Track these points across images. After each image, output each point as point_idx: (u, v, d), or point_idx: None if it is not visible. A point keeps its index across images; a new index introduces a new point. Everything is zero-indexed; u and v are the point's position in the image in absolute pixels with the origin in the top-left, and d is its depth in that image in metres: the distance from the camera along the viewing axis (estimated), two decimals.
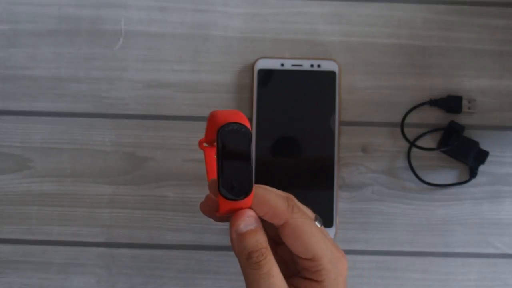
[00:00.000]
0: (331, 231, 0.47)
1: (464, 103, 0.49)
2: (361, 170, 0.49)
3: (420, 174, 0.49)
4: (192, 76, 0.50)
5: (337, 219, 0.48)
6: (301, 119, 0.47)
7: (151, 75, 0.50)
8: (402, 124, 0.49)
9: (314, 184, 0.47)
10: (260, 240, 0.29)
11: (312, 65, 0.47)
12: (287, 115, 0.47)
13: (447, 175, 0.49)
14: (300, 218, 0.30)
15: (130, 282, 0.49)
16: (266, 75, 0.47)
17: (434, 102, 0.49)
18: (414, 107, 0.49)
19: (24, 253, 0.49)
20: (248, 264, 0.29)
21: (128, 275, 0.49)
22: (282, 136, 0.47)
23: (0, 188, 0.49)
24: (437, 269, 0.49)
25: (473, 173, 0.49)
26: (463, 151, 0.49)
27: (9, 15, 0.51)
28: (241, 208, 0.30)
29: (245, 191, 0.30)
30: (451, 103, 0.49)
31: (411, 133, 0.49)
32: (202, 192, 0.49)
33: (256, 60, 0.47)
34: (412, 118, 0.50)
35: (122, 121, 0.50)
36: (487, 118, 0.50)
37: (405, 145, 0.49)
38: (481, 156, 0.49)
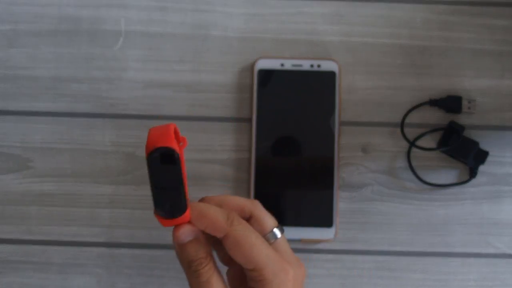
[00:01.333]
0: (330, 231, 0.47)
1: (464, 103, 0.49)
2: (361, 170, 0.49)
3: (420, 174, 0.49)
4: (192, 76, 0.50)
5: (337, 219, 0.48)
6: (301, 119, 0.47)
7: (151, 75, 0.50)
8: (402, 124, 0.49)
9: (314, 184, 0.47)
10: (199, 250, 0.32)
11: (312, 65, 0.47)
12: (287, 115, 0.47)
13: (447, 175, 0.49)
14: (240, 230, 0.32)
15: (130, 282, 0.49)
16: (266, 75, 0.47)
17: (434, 102, 0.49)
18: (414, 107, 0.49)
19: (24, 253, 0.49)
20: (189, 272, 0.32)
21: (128, 275, 0.49)
22: (282, 136, 0.47)
23: (0, 188, 0.49)
24: (437, 269, 0.49)
25: (473, 173, 0.49)
26: (463, 151, 0.49)
27: (9, 15, 0.51)
28: (181, 223, 0.32)
29: (179, 210, 0.32)
30: (451, 103, 0.49)
31: (411, 133, 0.49)
32: (202, 192, 0.49)
33: (256, 60, 0.47)
34: (412, 118, 0.50)
35: (122, 121, 0.50)
36: (487, 118, 0.50)
37: (405, 145, 0.49)
38: (481, 156, 0.49)
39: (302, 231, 0.47)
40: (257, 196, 0.46)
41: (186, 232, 0.32)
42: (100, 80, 0.50)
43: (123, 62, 0.51)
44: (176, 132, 0.33)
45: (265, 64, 0.47)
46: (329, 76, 0.47)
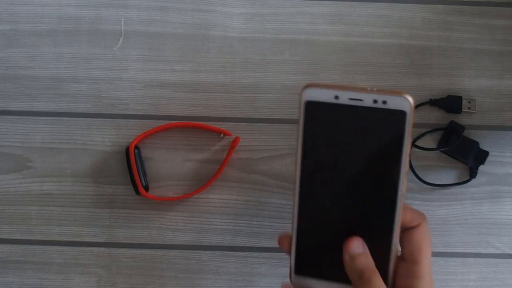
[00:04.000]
0: None
1: (464, 103, 0.49)
2: None
3: (420, 174, 0.49)
4: (192, 76, 0.50)
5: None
6: (357, 168, 0.36)
7: (151, 75, 0.50)
8: None
9: (369, 246, 0.36)
10: (369, 262, 0.34)
11: (375, 101, 0.34)
12: (340, 163, 0.36)
13: (447, 175, 0.49)
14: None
15: (130, 282, 0.49)
16: (316, 109, 0.35)
17: (434, 102, 0.49)
18: (414, 107, 0.49)
19: (24, 253, 0.49)
20: (361, 281, 0.33)
21: (128, 275, 0.49)
22: (333, 188, 0.36)
23: (0, 188, 0.49)
24: (437, 269, 0.49)
25: (473, 173, 0.49)
26: (463, 151, 0.49)
27: (9, 15, 0.51)
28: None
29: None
30: (451, 103, 0.49)
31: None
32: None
33: (304, 88, 0.35)
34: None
35: (122, 121, 0.50)
36: (487, 118, 0.50)
37: None
38: (481, 156, 0.49)
39: None
40: (300, 245, 0.37)
41: (357, 245, 0.34)
42: (100, 80, 0.50)
43: (123, 62, 0.51)
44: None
45: (314, 94, 0.35)
46: (397, 117, 0.34)
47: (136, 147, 0.48)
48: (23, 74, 0.50)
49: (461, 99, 0.49)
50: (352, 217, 0.36)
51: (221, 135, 0.49)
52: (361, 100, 0.34)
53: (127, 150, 0.48)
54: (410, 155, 0.32)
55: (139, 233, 0.49)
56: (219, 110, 0.50)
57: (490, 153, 0.49)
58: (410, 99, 0.33)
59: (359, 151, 0.35)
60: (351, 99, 0.35)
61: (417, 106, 0.49)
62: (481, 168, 0.49)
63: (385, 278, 0.35)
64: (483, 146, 0.49)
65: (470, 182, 0.49)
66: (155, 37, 0.51)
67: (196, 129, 0.50)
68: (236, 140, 0.48)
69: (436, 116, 0.50)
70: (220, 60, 0.51)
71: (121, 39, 0.51)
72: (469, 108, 0.49)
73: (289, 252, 0.36)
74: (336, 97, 0.35)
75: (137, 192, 0.48)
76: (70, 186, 0.49)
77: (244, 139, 0.49)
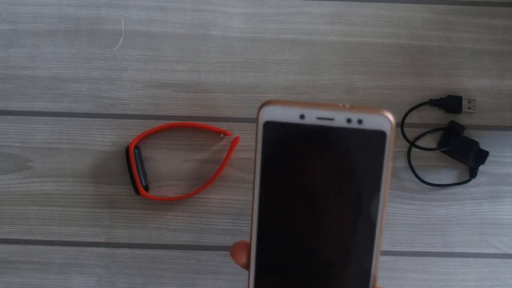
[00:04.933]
0: None
1: (464, 103, 0.49)
2: None
3: (420, 174, 0.49)
4: (192, 76, 0.50)
5: None
6: (328, 201, 0.30)
7: (151, 75, 0.50)
8: (402, 124, 0.49)
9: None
10: None
11: (349, 120, 0.28)
12: (308, 195, 0.30)
13: (447, 175, 0.49)
14: None
15: (130, 282, 0.49)
16: (277, 131, 0.29)
17: (434, 102, 0.49)
18: (414, 107, 0.49)
19: (24, 253, 0.49)
20: None
21: (128, 275, 0.49)
22: (298, 230, 0.30)
23: (0, 188, 0.49)
24: (437, 269, 0.49)
25: (473, 173, 0.49)
26: (463, 151, 0.49)
27: (9, 15, 0.51)
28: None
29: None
30: (451, 103, 0.49)
31: (411, 133, 0.49)
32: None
33: (263, 106, 0.29)
34: (412, 118, 0.50)
35: (122, 121, 0.50)
36: (487, 118, 0.50)
37: (405, 145, 0.49)
38: (481, 156, 0.49)
39: None
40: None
41: None
42: (100, 80, 0.50)
43: (123, 62, 0.51)
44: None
45: (275, 114, 0.29)
46: (376, 139, 0.29)
47: (136, 147, 0.48)
48: (23, 74, 0.50)
49: (461, 99, 0.49)
50: (324, 256, 0.30)
51: (221, 135, 0.49)
52: (331, 119, 0.29)
53: (127, 150, 0.48)
54: (389, 181, 0.29)
55: (139, 233, 0.49)
56: (219, 110, 0.50)
57: (490, 153, 0.49)
58: (391, 117, 0.28)
59: (330, 181, 0.29)
60: (320, 118, 0.29)
61: (417, 106, 0.49)
62: (481, 168, 0.49)
63: None
64: (483, 146, 0.49)
65: (470, 182, 0.49)
66: (155, 37, 0.51)
67: (196, 129, 0.50)
68: (236, 140, 0.48)
69: (436, 116, 0.50)
70: (220, 60, 0.51)
71: (121, 39, 0.51)
72: (469, 108, 0.49)
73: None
74: (302, 116, 0.29)
75: (137, 192, 0.48)
76: (70, 186, 0.49)
77: (244, 139, 0.49)
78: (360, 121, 0.28)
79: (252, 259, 0.30)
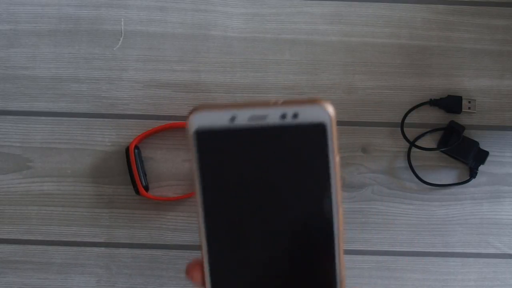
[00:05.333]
0: None
1: (464, 103, 0.49)
2: (361, 170, 0.49)
3: (420, 174, 0.49)
4: (192, 76, 0.50)
5: None
6: (276, 207, 0.27)
7: (151, 75, 0.50)
8: (402, 124, 0.49)
9: None
10: None
11: (283, 116, 0.26)
12: (253, 203, 0.27)
13: (447, 175, 0.49)
14: None
15: (130, 282, 0.49)
16: (210, 139, 0.27)
17: (434, 102, 0.49)
18: (414, 107, 0.49)
19: (24, 253, 0.49)
20: None
21: (128, 275, 0.49)
22: (251, 241, 0.28)
23: (0, 188, 0.49)
24: (437, 269, 0.49)
25: (473, 173, 0.49)
26: (463, 151, 0.49)
27: (9, 15, 0.51)
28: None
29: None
30: (451, 103, 0.49)
31: (411, 133, 0.49)
32: None
33: (190, 114, 0.26)
34: (412, 118, 0.50)
35: (122, 121, 0.50)
36: (487, 118, 0.50)
37: (405, 145, 0.49)
38: (481, 156, 0.49)
39: None
40: None
41: None
42: (100, 80, 0.50)
43: (123, 62, 0.51)
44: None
45: (205, 119, 0.26)
46: (315, 133, 0.26)
47: (136, 147, 0.48)
48: (23, 74, 0.50)
49: (461, 99, 0.49)
50: (283, 264, 0.27)
51: None
52: (264, 117, 0.26)
53: (127, 150, 0.48)
54: (340, 178, 0.27)
55: (139, 233, 0.49)
56: None
57: (490, 153, 0.49)
58: (328, 106, 0.26)
59: (275, 184, 0.27)
60: (252, 118, 0.26)
61: (417, 106, 0.49)
62: (481, 168, 0.49)
63: None
64: (483, 146, 0.49)
65: (470, 182, 0.49)
66: (155, 37, 0.51)
67: None
68: None
69: (436, 116, 0.50)
70: (220, 60, 0.51)
71: (121, 39, 0.51)
72: (469, 108, 0.49)
73: None
74: (233, 119, 0.26)
75: (137, 192, 0.48)
76: (70, 186, 0.49)
77: None
78: (295, 115, 0.26)
79: (206, 275, 0.28)
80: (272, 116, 0.26)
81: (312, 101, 0.26)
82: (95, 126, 0.50)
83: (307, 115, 0.26)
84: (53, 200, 0.49)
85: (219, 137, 0.26)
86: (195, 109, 0.26)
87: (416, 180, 0.49)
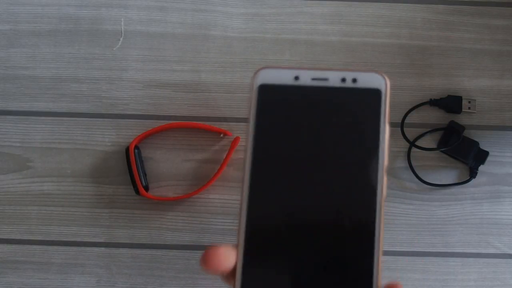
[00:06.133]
0: None
1: (464, 103, 0.49)
2: None
3: (420, 174, 0.49)
4: (192, 76, 0.50)
5: None
6: (325, 163, 0.28)
7: (151, 75, 0.50)
8: (402, 124, 0.49)
9: (345, 255, 0.28)
10: None
11: (343, 79, 0.29)
12: (302, 160, 0.28)
13: (447, 175, 0.49)
14: None
15: (130, 282, 0.49)
16: (272, 94, 0.29)
17: (434, 102, 0.49)
18: (414, 107, 0.49)
19: (24, 253, 0.49)
20: None
21: (128, 275, 0.49)
22: (289, 192, 0.28)
23: (0, 188, 0.49)
24: (437, 269, 0.49)
25: (473, 173, 0.49)
26: (463, 151, 0.49)
27: (9, 15, 0.51)
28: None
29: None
30: (451, 103, 0.49)
31: (411, 133, 0.49)
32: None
33: (258, 71, 0.29)
34: (412, 118, 0.50)
35: (122, 121, 0.50)
36: (487, 118, 0.50)
37: (405, 145, 0.49)
38: (481, 156, 0.49)
39: None
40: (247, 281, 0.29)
41: None
42: (100, 80, 0.50)
43: (123, 62, 0.51)
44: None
45: (270, 76, 0.29)
46: (371, 98, 0.29)
47: (136, 147, 0.48)
48: (23, 74, 0.50)
49: (461, 99, 0.49)
50: (322, 225, 0.28)
51: (221, 135, 0.49)
52: (326, 79, 0.29)
53: (127, 150, 0.48)
54: (389, 146, 0.29)
55: (139, 233, 0.49)
56: (219, 110, 0.50)
57: (490, 153, 0.49)
58: (385, 76, 0.28)
59: (326, 142, 0.28)
60: (314, 79, 0.29)
61: (417, 106, 0.49)
62: (481, 168, 0.49)
63: (369, 282, 0.27)
64: (483, 146, 0.49)
65: (470, 182, 0.49)
66: (155, 37, 0.51)
67: (196, 129, 0.50)
68: (236, 140, 0.48)
69: (436, 116, 0.50)
70: (220, 60, 0.51)
71: (121, 39, 0.51)
72: (469, 108, 0.49)
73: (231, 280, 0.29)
74: (296, 78, 0.29)
75: (137, 192, 0.48)
76: (70, 186, 0.49)
77: (244, 139, 0.49)
78: (354, 80, 0.28)
79: (241, 227, 0.28)
80: (333, 79, 0.28)
81: (371, 70, 0.28)
82: (95, 126, 0.50)
83: (366, 81, 0.28)
84: (53, 200, 0.49)
85: (281, 94, 0.29)
86: (263, 67, 0.29)
87: (416, 180, 0.49)
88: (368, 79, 0.28)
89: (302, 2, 0.51)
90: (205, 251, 0.27)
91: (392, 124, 0.50)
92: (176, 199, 0.49)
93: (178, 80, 0.50)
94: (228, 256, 0.27)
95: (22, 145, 0.50)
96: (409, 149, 0.49)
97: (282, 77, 0.29)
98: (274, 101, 0.29)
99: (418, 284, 0.49)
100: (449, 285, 0.49)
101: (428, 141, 0.50)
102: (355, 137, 0.28)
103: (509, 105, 0.50)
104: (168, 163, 0.49)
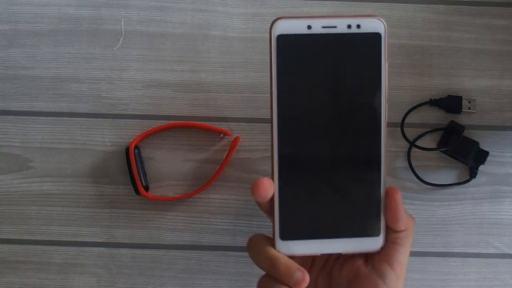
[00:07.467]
0: (377, 241, 0.37)
1: (464, 103, 0.49)
2: None
3: (420, 174, 0.49)
4: (192, 76, 0.50)
5: (383, 225, 0.37)
6: (337, 99, 0.35)
7: (151, 75, 0.50)
8: (402, 124, 0.49)
9: (356, 184, 0.36)
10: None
11: (349, 26, 0.34)
12: (318, 97, 0.35)
13: (447, 175, 0.49)
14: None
15: (130, 282, 0.49)
16: (288, 43, 0.34)
17: (434, 102, 0.49)
18: (414, 107, 0.49)
19: (24, 253, 0.49)
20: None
21: (128, 275, 0.49)
22: (311, 124, 0.35)
23: (0, 188, 0.49)
24: (437, 269, 0.49)
25: (473, 173, 0.49)
26: (463, 151, 0.49)
27: (9, 15, 0.51)
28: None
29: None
30: (451, 103, 0.49)
31: (411, 133, 0.49)
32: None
33: (274, 21, 0.34)
34: (412, 118, 0.50)
35: (122, 121, 0.50)
36: (487, 118, 0.50)
37: (405, 145, 0.49)
38: (481, 156, 0.49)
39: (343, 243, 0.36)
40: (283, 203, 0.36)
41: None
42: (100, 80, 0.50)
43: (123, 62, 0.51)
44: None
45: (286, 27, 0.34)
46: (372, 40, 0.34)
47: (136, 147, 0.48)
48: (23, 74, 0.50)
49: (461, 99, 0.49)
50: (337, 154, 0.35)
51: (221, 135, 0.49)
52: (334, 27, 0.34)
53: (127, 150, 0.48)
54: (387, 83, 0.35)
55: (139, 233, 0.49)
56: (219, 110, 0.50)
57: (490, 153, 0.49)
58: (383, 20, 0.34)
59: (337, 81, 0.35)
60: (324, 27, 0.34)
61: (417, 106, 0.49)
62: (481, 168, 0.49)
63: (377, 213, 0.36)
64: (483, 146, 0.49)
65: (470, 182, 0.49)
66: (155, 37, 0.51)
67: (196, 129, 0.50)
68: (236, 140, 0.48)
69: (436, 116, 0.50)
70: (220, 60, 0.51)
71: (121, 39, 0.51)
72: (469, 108, 0.49)
73: (270, 214, 0.35)
74: (309, 27, 0.34)
75: (137, 192, 0.48)
76: (70, 186, 0.49)
77: (244, 139, 0.49)
78: (358, 26, 0.34)
79: (274, 162, 0.34)
80: (340, 26, 0.34)
81: (372, 15, 0.34)
82: (95, 126, 0.50)
83: (368, 26, 0.34)
84: (53, 200, 0.49)
85: (296, 42, 0.34)
86: (278, 18, 0.34)
87: (416, 180, 0.49)
88: (370, 24, 0.34)
89: (302, 2, 0.51)
90: (253, 182, 0.34)
91: (392, 124, 0.50)
92: (176, 199, 0.49)
93: (178, 80, 0.50)
94: (270, 186, 0.34)
95: (22, 145, 0.50)
96: (409, 149, 0.49)
97: (296, 26, 0.34)
98: (291, 49, 0.34)
99: (418, 284, 0.49)
100: (449, 285, 0.49)
101: (428, 141, 0.50)
102: (362, 74, 0.34)
103: (509, 105, 0.50)
104: (168, 163, 0.49)
